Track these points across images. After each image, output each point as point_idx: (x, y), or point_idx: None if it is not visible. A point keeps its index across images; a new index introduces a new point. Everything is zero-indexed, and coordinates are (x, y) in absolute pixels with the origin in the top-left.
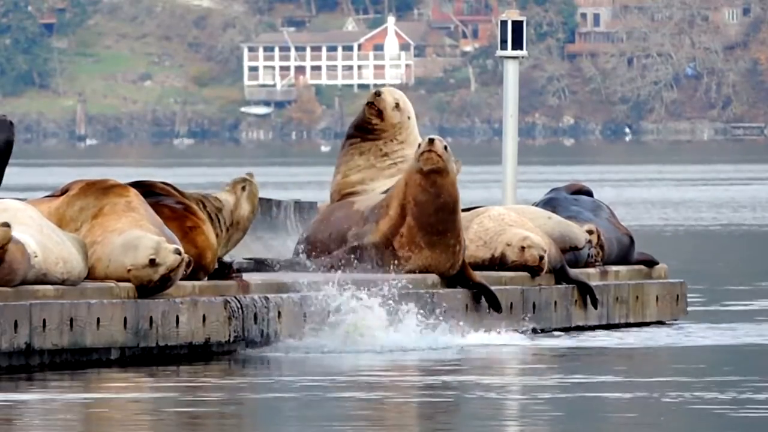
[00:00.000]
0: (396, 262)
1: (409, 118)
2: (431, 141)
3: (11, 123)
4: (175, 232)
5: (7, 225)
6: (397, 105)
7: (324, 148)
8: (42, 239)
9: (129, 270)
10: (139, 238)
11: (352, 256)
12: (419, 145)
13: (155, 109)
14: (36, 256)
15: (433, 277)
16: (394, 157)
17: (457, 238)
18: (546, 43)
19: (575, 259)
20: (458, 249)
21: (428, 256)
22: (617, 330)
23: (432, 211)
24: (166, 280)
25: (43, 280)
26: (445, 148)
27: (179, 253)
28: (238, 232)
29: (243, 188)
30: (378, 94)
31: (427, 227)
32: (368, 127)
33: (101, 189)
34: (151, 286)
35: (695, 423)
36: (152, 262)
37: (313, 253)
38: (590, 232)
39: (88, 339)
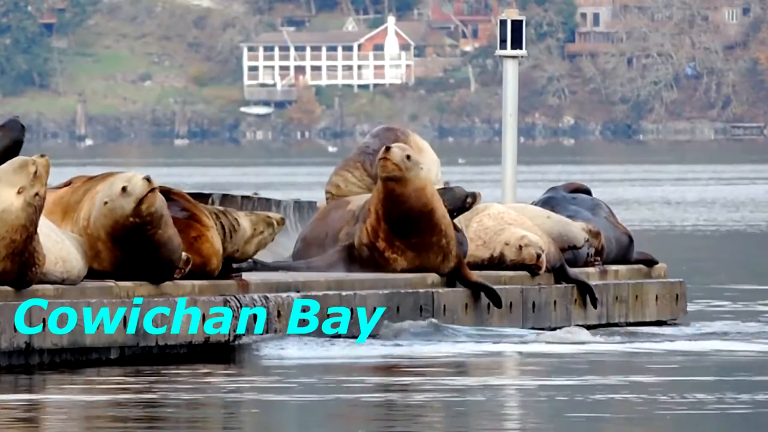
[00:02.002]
0: (385, 262)
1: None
2: (387, 149)
3: (23, 126)
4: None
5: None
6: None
7: (331, 149)
8: (41, 238)
9: (105, 203)
10: (121, 175)
11: (344, 256)
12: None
13: (155, 109)
14: None
15: (433, 277)
16: None
17: (440, 235)
18: (546, 43)
19: (574, 258)
20: (446, 244)
21: (413, 256)
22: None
23: (398, 218)
24: (142, 218)
25: (42, 279)
26: (408, 157)
27: (148, 181)
28: (237, 259)
29: (261, 231)
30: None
31: (400, 232)
32: None
33: (107, 173)
34: (128, 225)
35: (694, 424)
36: (123, 190)
37: (310, 253)
38: (593, 233)
39: (88, 338)
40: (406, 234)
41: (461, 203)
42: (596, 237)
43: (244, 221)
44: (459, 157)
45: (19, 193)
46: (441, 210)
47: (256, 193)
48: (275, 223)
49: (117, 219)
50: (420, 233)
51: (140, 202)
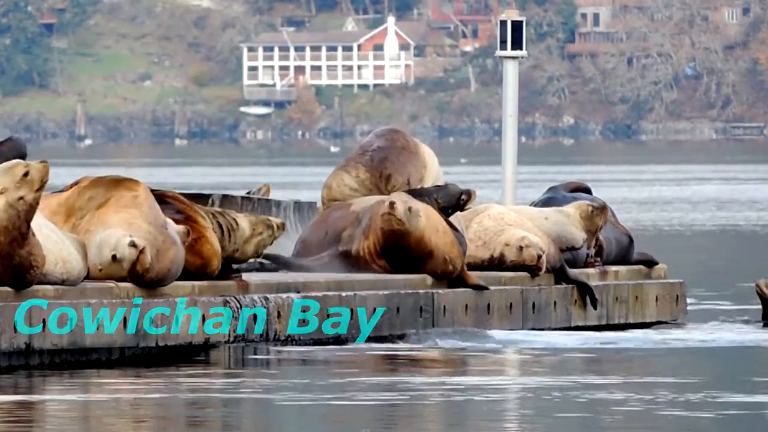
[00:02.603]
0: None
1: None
2: (392, 205)
3: (25, 146)
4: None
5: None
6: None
7: (333, 149)
8: (41, 239)
9: (100, 270)
10: (106, 236)
11: (341, 260)
12: (384, 202)
13: (155, 109)
14: None
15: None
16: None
17: (438, 259)
18: (546, 43)
19: (573, 259)
20: (449, 265)
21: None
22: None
23: (398, 259)
24: (139, 275)
25: (42, 280)
26: (410, 209)
27: (134, 245)
28: (237, 259)
29: (261, 232)
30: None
31: (400, 266)
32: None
33: (113, 181)
34: (129, 280)
35: (693, 425)
36: (114, 258)
37: (309, 254)
38: (598, 208)
39: (88, 339)
40: (406, 268)
41: (455, 200)
42: (602, 212)
43: (243, 222)
44: (461, 157)
45: (0, 193)
46: (442, 241)
47: (267, 186)
48: (275, 226)
49: (116, 279)
50: (421, 264)
51: (133, 265)
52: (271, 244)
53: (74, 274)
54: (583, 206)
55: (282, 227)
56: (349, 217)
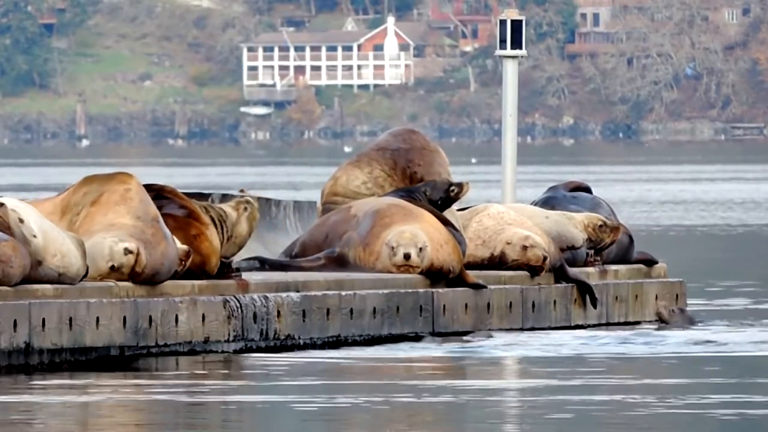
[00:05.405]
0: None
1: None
2: (407, 257)
3: None
4: (180, 241)
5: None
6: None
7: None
8: (40, 237)
9: (100, 278)
10: (96, 246)
11: (335, 262)
12: (392, 249)
13: (155, 109)
14: (35, 236)
15: None
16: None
17: (440, 267)
18: (546, 43)
19: (573, 259)
20: (450, 270)
21: None
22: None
23: None
24: (141, 275)
25: (39, 276)
26: (420, 250)
27: (129, 252)
28: (233, 246)
29: (245, 209)
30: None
31: None
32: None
33: (106, 176)
34: (130, 281)
35: (692, 426)
36: (113, 269)
37: (306, 256)
38: (611, 227)
39: (88, 338)
40: None
41: (444, 193)
42: (612, 231)
43: (227, 208)
44: (460, 157)
45: None
46: (445, 253)
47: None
48: (251, 200)
49: (117, 281)
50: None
51: (132, 269)
52: (258, 217)
53: (72, 270)
54: (594, 218)
55: (256, 201)
56: (349, 220)
